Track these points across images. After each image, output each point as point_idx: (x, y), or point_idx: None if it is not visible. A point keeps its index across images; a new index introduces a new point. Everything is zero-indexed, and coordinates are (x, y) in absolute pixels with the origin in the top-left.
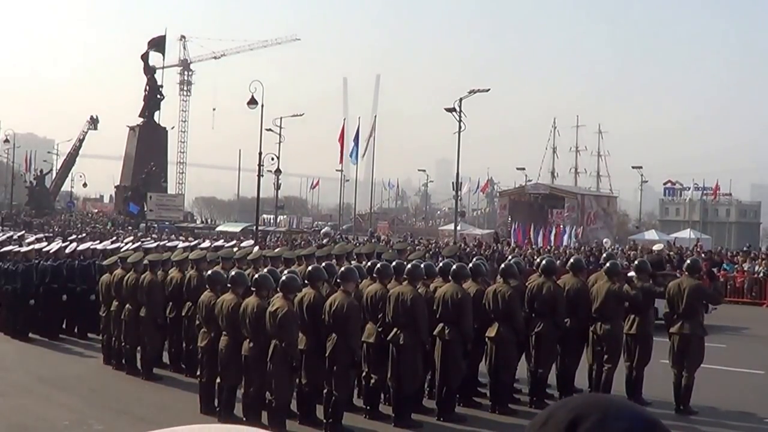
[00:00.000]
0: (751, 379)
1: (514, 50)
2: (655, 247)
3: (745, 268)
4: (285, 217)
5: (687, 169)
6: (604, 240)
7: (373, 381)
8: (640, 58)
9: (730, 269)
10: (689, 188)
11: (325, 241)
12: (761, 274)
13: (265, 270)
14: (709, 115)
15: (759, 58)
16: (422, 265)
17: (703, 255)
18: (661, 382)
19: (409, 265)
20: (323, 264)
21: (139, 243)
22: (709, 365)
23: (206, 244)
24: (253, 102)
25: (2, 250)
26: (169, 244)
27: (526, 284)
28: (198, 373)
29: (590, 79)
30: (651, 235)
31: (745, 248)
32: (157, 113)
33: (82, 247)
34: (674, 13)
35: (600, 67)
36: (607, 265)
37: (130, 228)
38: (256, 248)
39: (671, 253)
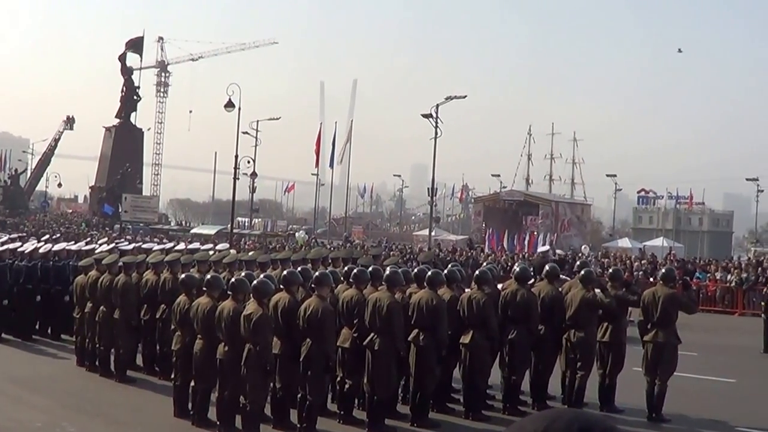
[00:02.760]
0: (723, 387)
1: (492, 57)
2: (541, 249)
3: (718, 277)
4: (260, 220)
5: (660, 178)
6: (582, 247)
7: (347, 386)
8: (617, 66)
9: (702, 278)
10: (663, 197)
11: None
12: (733, 283)
13: (242, 274)
14: (685, 126)
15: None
16: (399, 271)
17: (676, 263)
18: (634, 389)
19: (388, 272)
20: (299, 268)
21: (114, 244)
22: (682, 373)
23: (181, 246)
24: (230, 105)
25: None
26: (144, 246)
27: (501, 291)
28: (172, 376)
29: (566, 87)
30: (624, 242)
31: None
32: (133, 114)
33: (57, 247)
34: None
35: (577, 74)
36: (582, 272)
37: (107, 230)
38: (232, 251)
39: (565, 254)
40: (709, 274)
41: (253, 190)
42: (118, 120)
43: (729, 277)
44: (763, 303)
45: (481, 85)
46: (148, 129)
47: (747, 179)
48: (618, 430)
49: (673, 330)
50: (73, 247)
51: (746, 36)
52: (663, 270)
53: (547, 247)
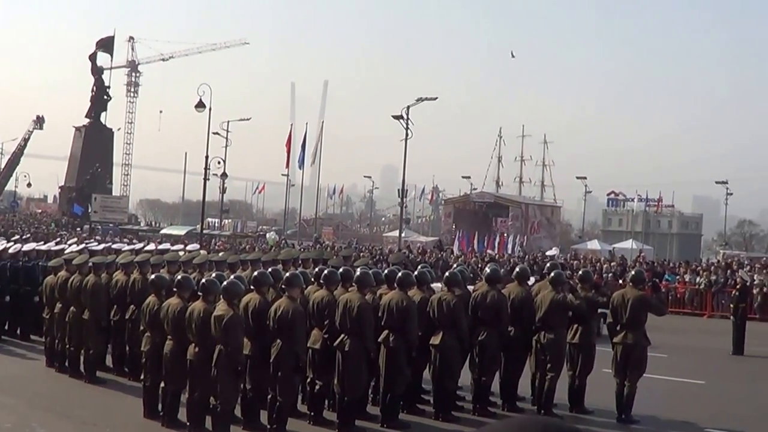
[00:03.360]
0: (692, 388)
1: (462, 59)
2: (550, 252)
3: (687, 279)
4: (230, 221)
5: (630, 180)
6: (552, 249)
7: (317, 387)
8: (588, 69)
9: (671, 280)
10: (632, 199)
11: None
12: (702, 286)
13: (212, 275)
14: (656, 129)
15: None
16: (370, 272)
17: (645, 266)
18: (604, 391)
19: (359, 273)
20: (269, 269)
21: (84, 245)
22: (651, 375)
23: (151, 246)
24: (200, 105)
25: None
26: (114, 247)
27: (471, 292)
28: (142, 377)
29: (537, 89)
30: (594, 245)
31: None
32: (103, 114)
33: (26, 248)
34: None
35: (547, 76)
36: (552, 274)
37: (77, 230)
38: (202, 252)
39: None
40: (678, 277)
41: (223, 190)
42: (88, 120)
43: (698, 279)
44: (731, 305)
45: (452, 86)
46: (118, 129)
47: (716, 182)
48: None
49: (642, 332)
50: (43, 248)
51: (716, 39)
52: (632, 272)
53: (555, 251)
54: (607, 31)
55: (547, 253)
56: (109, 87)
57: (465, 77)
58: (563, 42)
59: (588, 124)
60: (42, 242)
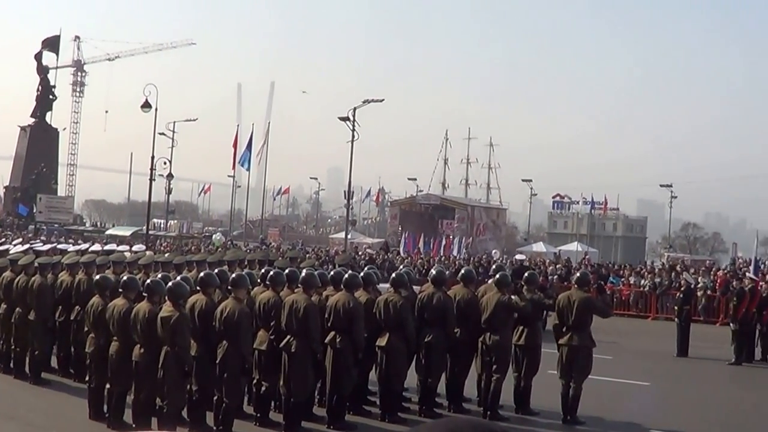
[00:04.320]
0: (637, 390)
1: (409, 61)
2: (518, 257)
3: (632, 282)
4: (175, 222)
5: (576, 183)
6: (493, 251)
7: (264, 388)
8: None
9: (616, 282)
10: (578, 202)
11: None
12: (647, 288)
13: (158, 275)
14: (599, 132)
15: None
16: (316, 274)
17: (590, 268)
18: (549, 392)
19: (304, 274)
20: (215, 270)
21: (29, 245)
22: (597, 376)
23: (96, 247)
24: (146, 105)
25: None
26: (60, 247)
27: (417, 294)
28: (87, 378)
29: (483, 92)
30: (539, 247)
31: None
32: (49, 114)
33: None
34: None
35: (493, 80)
36: (497, 276)
37: (24, 231)
38: (149, 253)
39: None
40: (623, 279)
41: (169, 191)
42: (33, 119)
43: (642, 281)
44: (676, 307)
45: (399, 89)
46: (64, 129)
47: (661, 185)
48: None
49: (587, 333)
50: None
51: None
52: (577, 274)
53: (523, 256)
54: (547, 33)
55: (493, 254)
56: (54, 86)
57: (411, 79)
58: (509, 45)
59: (532, 128)
60: None
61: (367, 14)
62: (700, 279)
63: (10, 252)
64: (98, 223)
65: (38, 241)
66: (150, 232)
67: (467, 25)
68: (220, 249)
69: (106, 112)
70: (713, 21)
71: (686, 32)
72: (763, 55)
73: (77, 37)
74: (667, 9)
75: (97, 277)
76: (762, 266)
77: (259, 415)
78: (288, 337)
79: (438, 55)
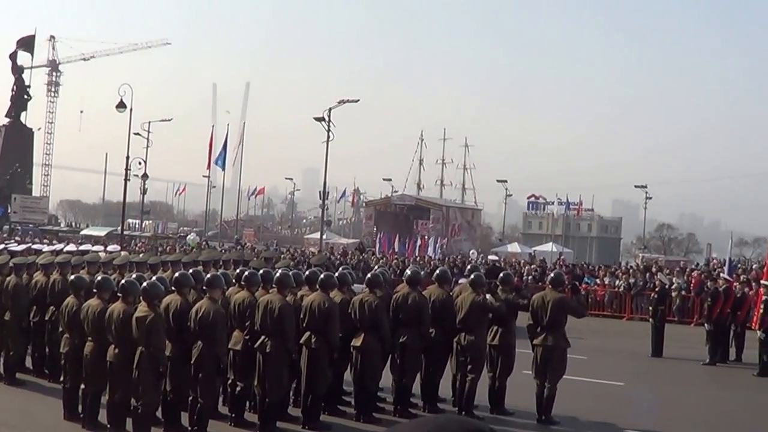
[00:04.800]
0: (611, 390)
1: (384, 62)
2: (491, 257)
3: (606, 282)
4: (150, 222)
5: (551, 184)
6: (471, 252)
7: (238, 388)
8: (511, 74)
9: (591, 283)
10: (552, 203)
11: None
12: (622, 288)
13: (133, 276)
14: (577, 134)
15: (626, 80)
16: (290, 274)
17: (565, 268)
18: (524, 392)
19: (278, 274)
20: (190, 270)
21: (3, 245)
22: (571, 376)
23: (71, 247)
24: (121, 105)
25: None
26: (35, 247)
27: (392, 294)
28: (61, 378)
29: (459, 93)
30: (514, 247)
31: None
32: (23, 114)
33: None
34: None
35: (470, 81)
36: (472, 276)
37: None
38: (123, 253)
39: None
40: (597, 279)
41: (144, 191)
42: (7, 119)
43: (617, 282)
44: (650, 308)
45: (374, 89)
46: (39, 129)
47: (636, 186)
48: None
49: (562, 333)
50: None
51: (633, 39)
52: (551, 274)
53: (496, 257)
54: (523, 34)
55: (471, 255)
56: (29, 86)
57: (387, 80)
58: (484, 46)
59: (508, 128)
60: None
61: (344, 16)
62: (674, 279)
63: None
64: (73, 224)
65: (13, 241)
66: (125, 233)
67: (443, 26)
68: (194, 249)
69: (81, 112)
70: (690, 24)
71: (664, 36)
72: (737, 60)
73: (52, 37)
74: (646, 11)
75: (72, 277)
76: (736, 267)
77: (234, 415)
78: (263, 337)
79: (414, 56)
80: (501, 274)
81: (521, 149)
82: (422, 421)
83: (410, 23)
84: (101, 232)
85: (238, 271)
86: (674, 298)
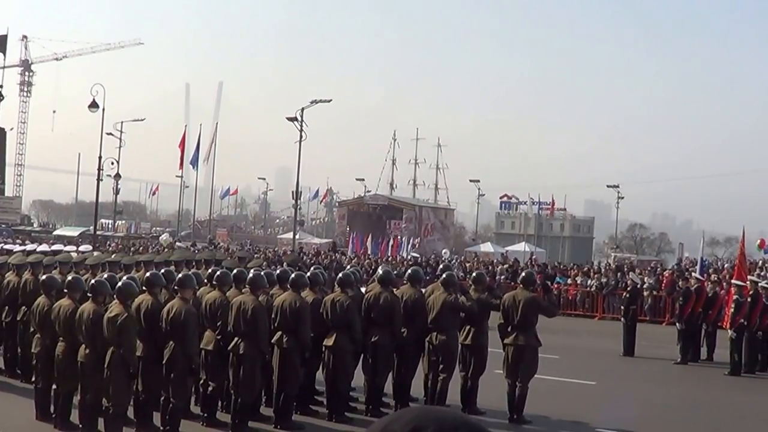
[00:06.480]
0: (583, 389)
1: (357, 62)
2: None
3: (578, 282)
4: (123, 222)
5: (523, 183)
6: (443, 251)
7: (210, 388)
8: (481, 72)
9: (563, 282)
10: (525, 202)
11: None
12: (593, 288)
13: (104, 275)
14: (548, 132)
15: (596, 78)
16: (263, 274)
17: (536, 268)
18: (496, 391)
19: (251, 274)
20: (162, 270)
21: None
22: (543, 376)
23: (43, 247)
24: (94, 105)
25: None
26: (6, 247)
27: (364, 294)
28: (33, 378)
29: (431, 92)
30: (487, 247)
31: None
32: None
33: None
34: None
35: (441, 79)
36: (444, 276)
37: None
38: (96, 253)
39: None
40: (569, 279)
41: (116, 191)
42: None
43: (589, 281)
44: (622, 307)
45: (347, 89)
46: (11, 129)
47: (608, 186)
48: (483, 427)
49: (533, 333)
50: None
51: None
52: (523, 274)
53: (447, 254)
54: (504, 37)
55: (443, 254)
56: (1, 86)
57: (359, 80)
58: (460, 47)
59: (480, 128)
60: None
61: (317, 14)
62: (646, 279)
63: None
64: (46, 224)
65: None
66: (98, 233)
67: (415, 26)
68: (167, 249)
69: (54, 111)
70: (655, 21)
71: (630, 32)
72: (706, 60)
73: (25, 37)
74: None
75: (44, 277)
76: (708, 267)
77: (206, 415)
78: (236, 339)
79: (387, 56)
80: (474, 273)
81: (494, 149)
82: (396, 416)
83: (383, 23)
84: (74, 232)
85: (209, 271)
86: (646, 298)
